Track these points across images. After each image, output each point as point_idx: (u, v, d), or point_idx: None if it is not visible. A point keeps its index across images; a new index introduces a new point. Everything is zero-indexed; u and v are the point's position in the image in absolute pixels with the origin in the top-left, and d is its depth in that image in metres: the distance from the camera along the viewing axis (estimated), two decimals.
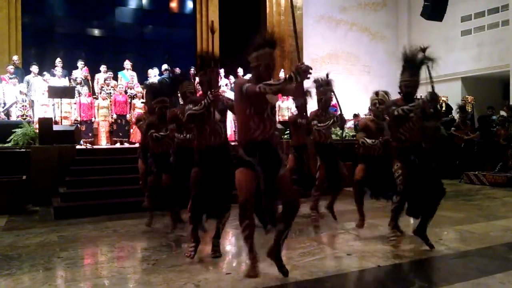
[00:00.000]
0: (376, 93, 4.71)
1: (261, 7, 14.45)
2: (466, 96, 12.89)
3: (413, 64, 3.99)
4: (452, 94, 13.18)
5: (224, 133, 3.94)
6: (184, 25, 15.32)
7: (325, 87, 5.22)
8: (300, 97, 3.77)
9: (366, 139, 4.59)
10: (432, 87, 3.89)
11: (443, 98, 11.52)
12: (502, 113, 10.94)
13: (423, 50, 3.97)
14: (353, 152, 5.10)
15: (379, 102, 4.64)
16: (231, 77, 11.62)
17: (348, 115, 11.11)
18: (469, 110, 11.69)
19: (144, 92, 9.63)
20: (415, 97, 4.14)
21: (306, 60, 13.11)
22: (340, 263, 3.90)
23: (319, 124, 5.19)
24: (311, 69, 2.86)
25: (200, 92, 4.42)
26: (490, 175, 9.07)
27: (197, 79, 4.31)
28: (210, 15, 14.53)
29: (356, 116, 11.35)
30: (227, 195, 3.87)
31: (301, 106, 4.97)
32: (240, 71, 11.41)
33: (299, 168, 5.50)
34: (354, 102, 11.89)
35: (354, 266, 3.78)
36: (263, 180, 3.13)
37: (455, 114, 12.44)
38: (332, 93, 5.21)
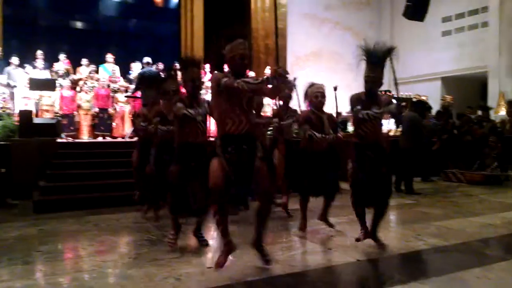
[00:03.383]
0: (318, 86, 4.61)
1: (246, 3, 14.43)
2: (445, 96, 13.12)
3: (376, 59, 3.90)
4: (432, 94, 13.39)
5: (204, 133, 4.07)
6: (169, 20, 15.20)
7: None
8: (274, 98, 3.86)
9: (314, 132, 4.40)
10: (397, 96, 4.00)
11: (423, 98, 11.71)
12: (479, 113, 11.18)
13: (390, 49, 3.89)
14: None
15: (321, 95, 4.54)
16: (216, 72, 11.57)
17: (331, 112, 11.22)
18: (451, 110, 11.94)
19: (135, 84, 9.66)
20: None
21: (290, 58, 13.16)
22: (321, 258, 3.97)
23: (282, 122, 5.36)
24: (288, 73, 2.97)
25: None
26: (468, 173, 9.28)
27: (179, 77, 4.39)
28: (195, 10, 14.44)
29: (338, 114, 11.44)
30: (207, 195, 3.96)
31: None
32: (226, 67, 11.37)
33: None
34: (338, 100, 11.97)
35: (335, 261, 3.84)
36: (232, 171, 3.16)
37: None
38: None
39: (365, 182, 3.95)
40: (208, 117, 4.12)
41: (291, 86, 5.17)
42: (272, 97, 5.03)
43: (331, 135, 4.48)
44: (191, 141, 3.95)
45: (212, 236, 4.84)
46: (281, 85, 2.99)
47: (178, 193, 3.96)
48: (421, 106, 8.70)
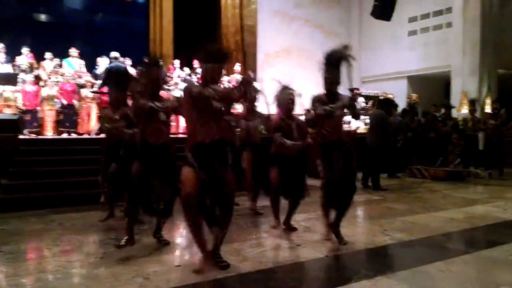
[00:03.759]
0: (289, 92, 4.66)
1: None
2: (411, 94, 13.44)
3: (332, 62, 4.11)
4: (398, 92, 13.68)
5: (167, 133, 4.09)
6: (137, 15, 14.91)
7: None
8: (243, 103, 3.97)
9: (285, 139, 4.45)
10: (351, 90, 4.17)
11: (389, 96, 11.94)
12: (443, 111, 11.50)
13: (345, 47, 4.09)
14: None
15: (291, 101, 4.61)
16: (186, 68, 11.47)
17: (300, 110, 11.30)
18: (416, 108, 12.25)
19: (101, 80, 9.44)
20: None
21: (260, 55, 13.09)
22: (290, 254, 4.00)
23: (249, 122, 5.59)
24: (255, 80, 3.07)
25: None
26: (432, 169, 9.55)
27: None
28: (164, 5, 14.20)
29: (308, 111, 11.53)
30: (170, 195, 3.97)
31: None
32: (195, 63, 11.25)
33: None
34: (307, 97, 12.05)
35: (303, 256, 3.88)
36: (207, 181, 3.19)
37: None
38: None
39: (335, 182, 4.05)
40: (175, 116, 4.13)
41: (256, 90, 5.28)
42: (242, 103, 5.13)
43: (301, 142, 4.52)
44: (152, 143, 3.95)
45: (181, 234, 4.81)
46: (249, 91, 3.12)
47: (137, 194, 3.92)
48: (388, 104, 8.88)
